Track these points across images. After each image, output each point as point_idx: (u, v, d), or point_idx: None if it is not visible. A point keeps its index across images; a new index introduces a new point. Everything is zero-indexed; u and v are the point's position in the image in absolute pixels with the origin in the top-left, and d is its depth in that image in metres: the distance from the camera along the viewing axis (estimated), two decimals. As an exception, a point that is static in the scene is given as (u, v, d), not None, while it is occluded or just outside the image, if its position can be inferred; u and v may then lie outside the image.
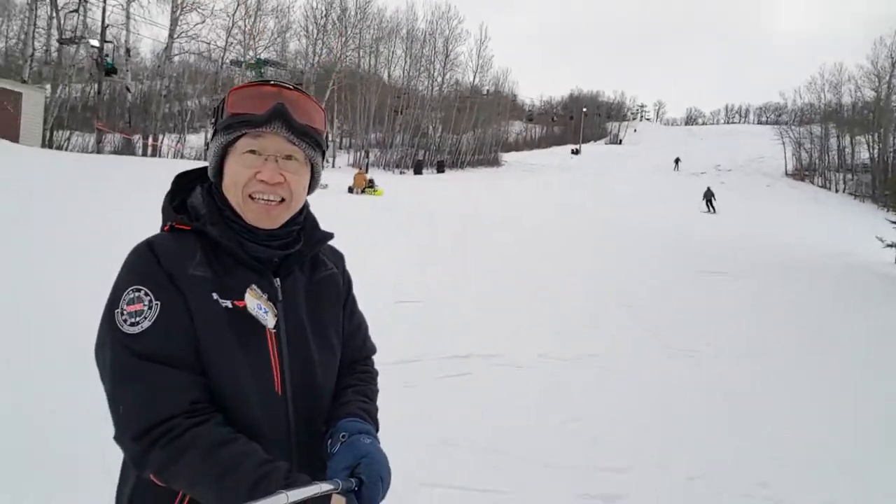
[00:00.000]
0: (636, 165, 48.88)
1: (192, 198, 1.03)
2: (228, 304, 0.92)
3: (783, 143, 48.03)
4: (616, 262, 9.60)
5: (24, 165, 11.34)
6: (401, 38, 43.37)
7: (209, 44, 29.14)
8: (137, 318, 0.86)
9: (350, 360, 1.13)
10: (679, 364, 4.90)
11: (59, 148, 22.59)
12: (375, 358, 1.22)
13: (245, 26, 30.52)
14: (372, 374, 1.17)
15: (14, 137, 17.74)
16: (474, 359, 4.46)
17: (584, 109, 69.81)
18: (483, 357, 4.53)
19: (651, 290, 7.69)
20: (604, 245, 11.33)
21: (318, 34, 36.10)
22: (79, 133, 25.83)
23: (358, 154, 38.89)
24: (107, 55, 25.05)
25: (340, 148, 40.84)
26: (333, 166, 34.85)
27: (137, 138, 26.94)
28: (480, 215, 14.67)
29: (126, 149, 25.60)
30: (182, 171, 1.07)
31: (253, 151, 0.95)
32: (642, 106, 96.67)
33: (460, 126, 47.14)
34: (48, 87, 23.91)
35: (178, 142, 29.59)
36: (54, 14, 25.08)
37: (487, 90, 51.91)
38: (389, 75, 43.66)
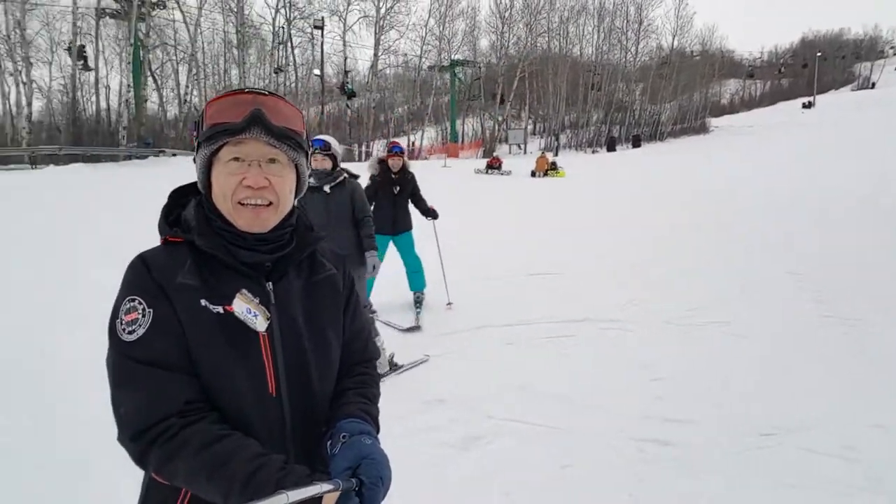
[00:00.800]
0: (879, 113, 39.68)
1: (186, 211, 1.07)
2: (220, 309, 0.96)
3: None
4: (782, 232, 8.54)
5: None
6: (589, 14, 42.19)
7: (405, 55, 32.39)
8: (133, 327, 0.91)
9: (351, 363, 1.16)
10: (833, 332, 4.47)
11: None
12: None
13: (438, 32, 33.18)
14: (373, 377, 1.19)
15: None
16: (587, 323, 4.74)
17: (819, 53, 58.84)
18: (595, 321, 4.78)
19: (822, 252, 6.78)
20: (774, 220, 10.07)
21: (503, 27, 37.25)
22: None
23: (549, 138, 39.10)
24: (347, 82, 30.21)
25: (534, 133, 41.52)
26: (525, 152, 35.68)
27: (355, 146, 31.32)
28: (644, 194, 14.01)
29: (347, 156, 30.05)
30: (177, 186, 1.12)
31: (236, 159, 0.99)
32: (906, 36, 77.43)
33: (658, 95, 43.99)
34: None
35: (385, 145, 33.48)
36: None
37: (691, 52, 47.31)
38: (581, 53, 42.80)
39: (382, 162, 5.10)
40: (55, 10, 24.04)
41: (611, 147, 37.72)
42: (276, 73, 30.05)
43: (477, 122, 41.18)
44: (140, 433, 0.88)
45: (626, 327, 4.64)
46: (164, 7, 24.54)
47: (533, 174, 22.73)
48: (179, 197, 1.10)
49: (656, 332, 4.55)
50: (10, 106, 23.73)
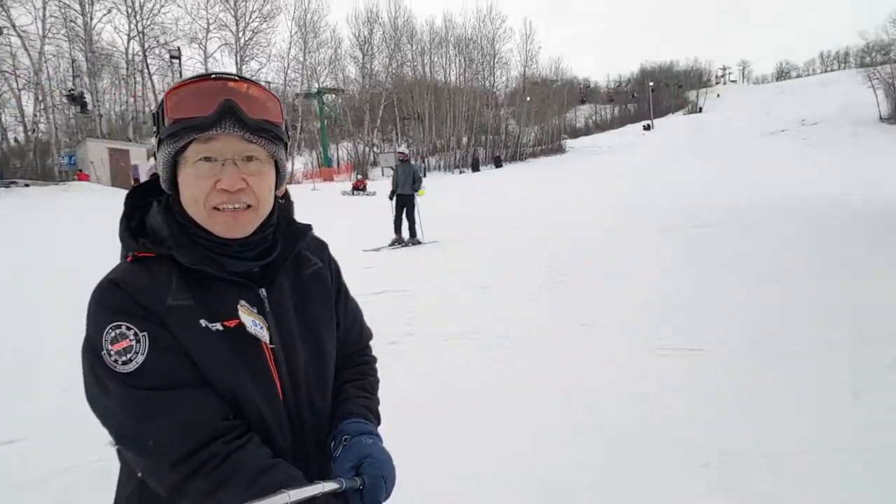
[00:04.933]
0: (705, 133, 46.96)
1: (150, 217, 0.94)
2: (219, 326, 0.87)
3: (872, 87, 43.94)
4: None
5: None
6: (451, 45, 45.56)
7: (269, 83, 33.01)
8: (128, 356, 0.81)
9: (349, 353, 1.12)
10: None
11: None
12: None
13: (302, 61, 34.27)
14: (371, 365, 1.16)
15: (129, 186, 21.83)
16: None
17: (651, 83, 67.72)
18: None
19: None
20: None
21: (363, 58, 39.30)
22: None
23: (418, 160, 41.42)
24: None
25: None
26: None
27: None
28: (481, 210, 16.00)
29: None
30: (133, 188, 0.99)
31: (207, 158, 0.86)
32: (725, 69, 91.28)
33: (520, 119, 48.23)
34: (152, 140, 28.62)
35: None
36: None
37: (545, 80, 52.41)
38: (446, 80, 45.90)
39: None
40: None
41: (475, 167, 40.65)
42: (70, 99, 27.98)
43: (352, 146, 42.70)
44: (182, 459, 0.80)
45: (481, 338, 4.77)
46: (1, 33, 23.25)
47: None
48: (138, 199, 0.98)
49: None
50: None
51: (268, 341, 0.92)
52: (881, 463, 2.49)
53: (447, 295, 6.36)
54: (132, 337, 0.82)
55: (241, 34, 30.66)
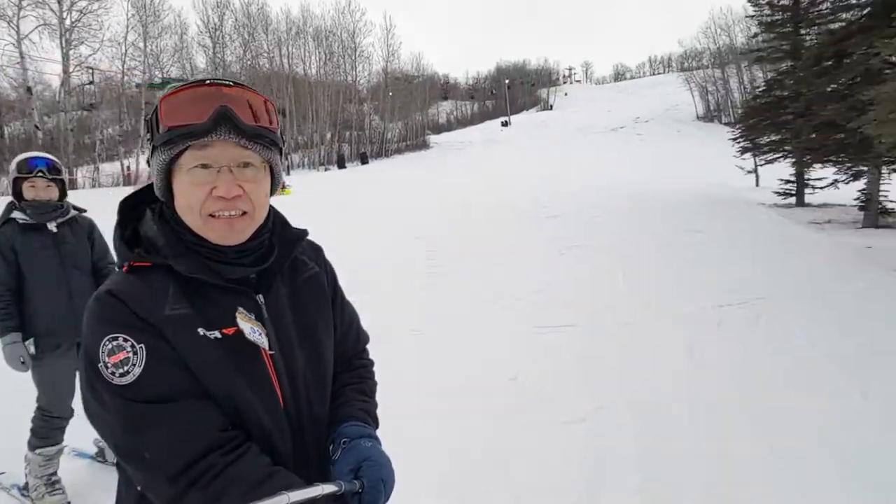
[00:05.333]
0: (557, 130, 50.85)
1: (144, 226, 0.96)
2: (217, 334, 0.87)
3: (690, 90, 50.72)
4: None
5: None
6: (309, 36, 44.12)
7: (103, 72, 29.55)
8: (126, 367, 0.81)
9: (346, 356, 1.12)
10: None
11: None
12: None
13: (143, 48, 30.96)
14: (368, 368, 1.16)
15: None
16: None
17: (507, 81, 71.59)
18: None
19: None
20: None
21: (214, 46, 36.70)
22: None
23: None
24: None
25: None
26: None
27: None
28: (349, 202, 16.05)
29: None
30: (125, 195, 1.00)
31: (203, 165, 0.87)
32: (570, 69, 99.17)
33: (383, 114, 48.25)
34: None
35: (93, 172, 29.97)
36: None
37: (405, 76, 52.97)
38: (305, 73, 44.41)
39: None
40: None
41: (341, 164, 40.02)
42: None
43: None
44: (179, 472, 0.79)
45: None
46: None
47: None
48: (130, 208, 0.98)
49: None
50: None
51: (267, 348, 0.92)
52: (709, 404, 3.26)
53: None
54: (129, 349, 0.82)
55: (65, 14, 26.89)
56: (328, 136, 43.75)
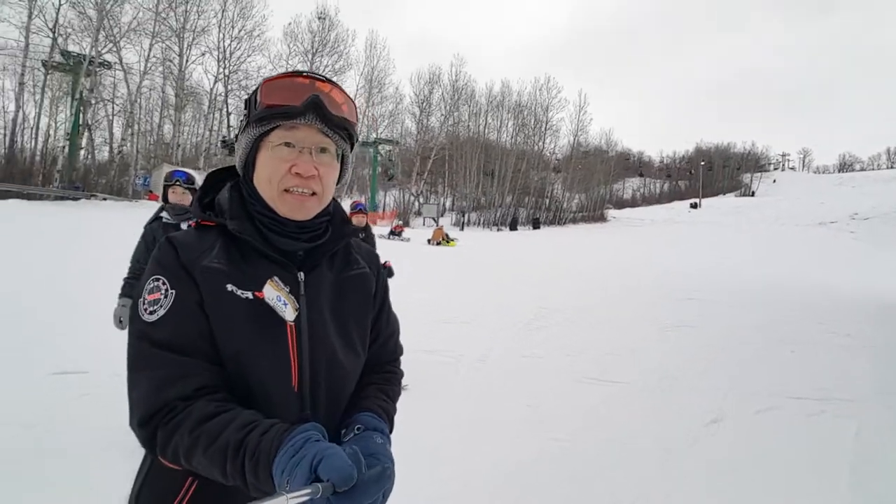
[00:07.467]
0: (752, 217, 46.83)
1: (221, 195, 1.04)
2: (249, 295, 0.92)
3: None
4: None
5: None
6: (506, 109, 48.27)
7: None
8: (155, 307, 0.88)
9: (382, 361, 1.15)
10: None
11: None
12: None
13: (364, 112, 37.33)
14: (397, 376, 1.18)
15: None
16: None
17: (703, 162, 68.44)
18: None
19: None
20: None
21: (420, 114, 42.45)
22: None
23: (459, 214, 43.35)
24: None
25: (452, 209, 45.91)
26: (438, 225, 39.46)
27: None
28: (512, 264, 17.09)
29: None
30: (213, 169, 1.09)
31: (288, 144, 0.96)
32: (784, 154, 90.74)
33: (567, 184, 49.83)
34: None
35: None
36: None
37: (594, 150, 54.07)
38: (497, 140, 48.39)
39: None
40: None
41: (513, 227, 42.00)
42: (223, 146, 31.52)
43: (399, 193, 45.43)
44: (148, 417, 0.84)
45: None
46: (110, 67, 26.87)
47: (429, 242, 25.97)
48: (215, 181, 1.08)
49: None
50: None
51: (289, 319, 0.93)
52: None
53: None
54: (163, 291, 0.90)
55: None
56: (508, 198, 46.52)
